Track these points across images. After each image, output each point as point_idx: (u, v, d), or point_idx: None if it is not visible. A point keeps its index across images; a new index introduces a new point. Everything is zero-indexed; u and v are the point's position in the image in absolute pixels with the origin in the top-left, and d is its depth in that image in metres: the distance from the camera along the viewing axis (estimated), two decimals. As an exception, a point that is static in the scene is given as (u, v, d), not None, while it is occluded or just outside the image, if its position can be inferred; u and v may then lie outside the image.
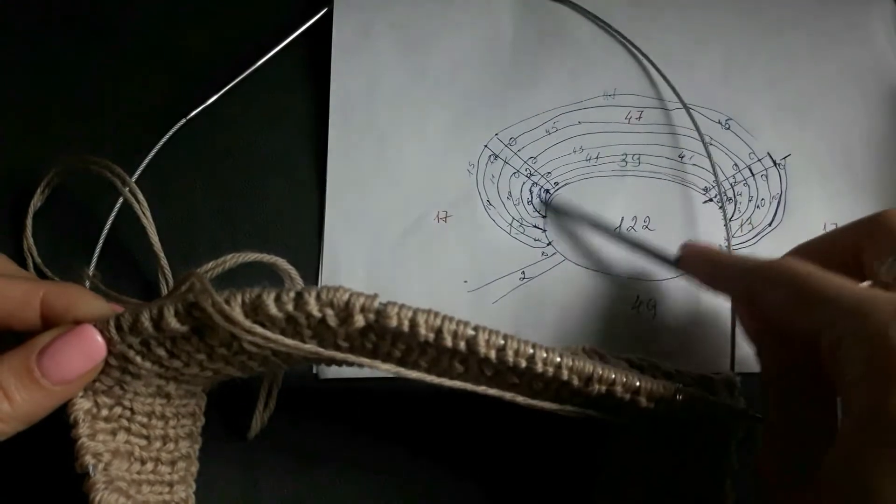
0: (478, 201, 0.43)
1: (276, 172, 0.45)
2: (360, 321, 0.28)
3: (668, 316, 0.41)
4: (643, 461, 0.36)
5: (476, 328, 0.29)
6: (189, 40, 0.48)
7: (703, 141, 0.44)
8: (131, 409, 0.33)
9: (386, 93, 0.46)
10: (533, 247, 0.42)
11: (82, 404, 0.31)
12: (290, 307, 0.28)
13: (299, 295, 0.28)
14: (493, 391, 0.31)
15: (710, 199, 0.43)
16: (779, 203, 0.43)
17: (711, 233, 0.42)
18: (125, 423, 0.33)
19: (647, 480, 0.35)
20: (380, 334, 0.29)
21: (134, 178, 0.42)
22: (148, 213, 0.40)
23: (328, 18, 0.47)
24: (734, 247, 0.42)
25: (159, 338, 0.30)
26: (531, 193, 0.44)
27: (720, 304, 0.40)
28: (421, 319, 0.28)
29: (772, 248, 0.42)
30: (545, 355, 0.30)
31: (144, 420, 0.34)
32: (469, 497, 0.38)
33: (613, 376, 0.31)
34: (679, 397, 0.32)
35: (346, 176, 0.44)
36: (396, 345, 0.30)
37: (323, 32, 0.47)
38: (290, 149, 0.45)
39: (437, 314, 0.29)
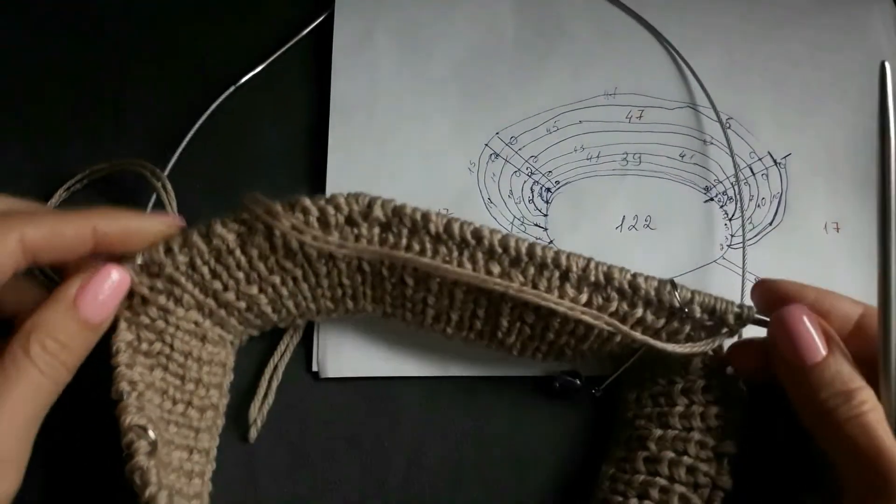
0: (479, 199, 0.43)
1: (278, 171, 0.45)
2: (378, 212, 0.34)
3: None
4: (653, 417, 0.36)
5: (482, 225, 0.34)
6: (194, 44, 0.48)
7: (722, 125, 0.44)
8: (171, 346, 0.35)
9: (387, 92, 0.46)
10: (534, 245, 0.42)
11: (125, 336, 0.34)
12: (322, 202, 0.34)
13: (332, 195, 0.35)
14: (498, 280, 0.34)
15: (711, 199, 0.43)
16: (779, 202, 0.43)
17: (712, 232, 0.42)
18: (163, 360, 0.35)
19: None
20: (397, 232, 0.35)
21: (166, 173, 0.42)
22: (175, 206, 0.41)
23: (330, 19, 0.47)
24: (734, 246, 0.42)
25: (204, 255, 0.35)
26: (532, 192, 0.44)
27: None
28: (433, 214, 0.35)
29: (772, 247, 0.42)
30: (541, 246, 0.34)
31: (181, 360, 0.35)
32: (469, 497, 0.38)
33: (587, 260, 0.35)
34: (676, 293, 0.34)
35: (346, 174, 0.43)
36: (412, 245, 0.35)
37: (325, 33, 0.47)
38: (291, 148, 0.45)
39: (445, 215, 0.35)
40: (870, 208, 0.43)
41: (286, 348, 0.40)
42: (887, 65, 0.34)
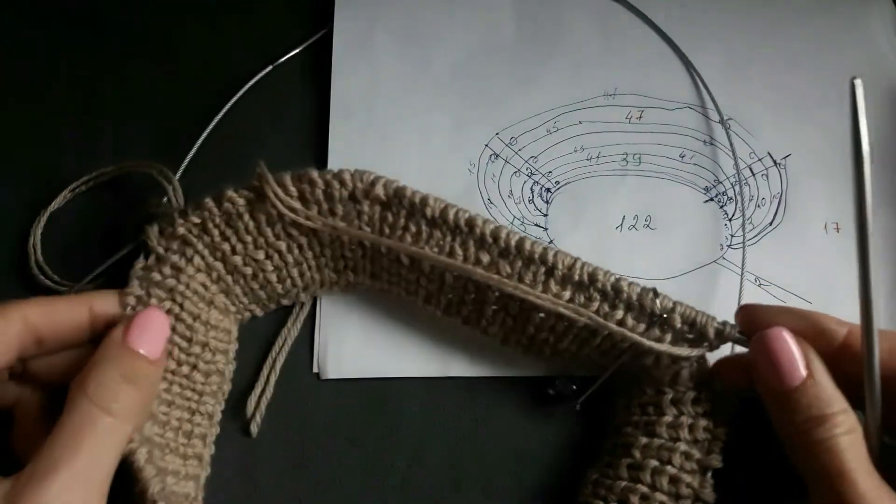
0: (479, 200, 0.43)
1: (277, 167, 0.44)
2: (380, 191, 0.36)
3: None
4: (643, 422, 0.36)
5: (476, 214, 0.36)
6: (198, 46, 0.48)
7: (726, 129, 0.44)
8: (181, 306, 0.36)
9: (387, 92, 0.46)
10: (534, 246, 0.42)
11: (136, 290, 0.35)
12: (329, 176, 0.36)
13: (339, 171, 0.36)
14: (482, 272, 0.35)
15: (711, 199, 0.43)
16: (779, 203, 0.43)
17: (712, 232, 0.42)
18: (172, 320, 0.35)
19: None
20: (396, 213, 0.36)
21: (177, 176, 0.41)
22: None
23: (330, 28, 0.47)
24: (735, 246, 0.42)
25: (216, 217, 0.36)
26: (532, 192, 0.44)
27: (718, 305, 0.40)
28: (430, 199, 0.36)
29: (772, 247, 0.42)
30: (531, 241, 0.35)
31: (190, 321, 0.36)
32: (469, 497, 0.38)
33: (573, 259, 0.35)
34: (657, 300, 0.34)
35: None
36: (408, 227, 0.36)
37: (325, 39, 0.47)
38: (291, 148, 0.45)
39: (443, 200, 0.36)
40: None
41: (284, 342, 0.40)
42: (857, 82, 0.33)
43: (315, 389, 0.40)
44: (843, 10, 0.48)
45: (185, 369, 0.36)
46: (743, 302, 0.39)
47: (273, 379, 0.39)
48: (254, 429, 0.38)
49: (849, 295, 0.40)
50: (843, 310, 0.40)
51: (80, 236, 0.43)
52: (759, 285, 0.41)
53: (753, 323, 0.34)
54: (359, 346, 0.40)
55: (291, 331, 0.40)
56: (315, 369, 0.40)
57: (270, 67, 0.46)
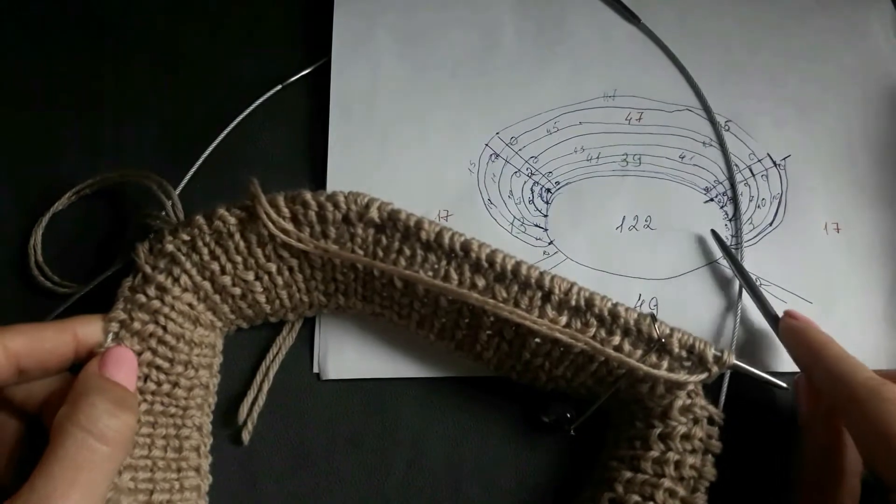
0: (479, 200, 0.43)
1: (278, 172, 0.44)
2: (374, 214, 0.35)
3: (669, 314, 0.40)
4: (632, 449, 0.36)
5: (472, 238, 0.35)
6: (198, 56, 0.48)
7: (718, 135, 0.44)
8: (164, 328, 0.35)
9: (386, 92, 0.46)
10: (534, 246, 0.42)
11: (118, 314, 0.34)
12: (322, 198, 0.36)
13: (332, 193, 0.36)
14: (477, 296, 0.35)
15: (711, 199, 0.43)
16: (779, 203, 0.43)
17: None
18: (154, 343, 0.35)
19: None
20: (390, 236, 0.36)
21: (179, 189, 0.41)
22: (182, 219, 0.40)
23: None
24: (734, 246, 0.42)
25: (205, 235, 0.36)
26: (532, 192, 0.44)
27: (721, 303, 0.41)
28: (425, 222, 0.35)
29: (772, 247, 0.42)
30: (527, 265, 0.35)
31: (173, 342, 0.35)
32: (469, 497, 0.38)
33: (568, 284, 0.35)
34: (655, 325, 0.34)
35: (346, 175, 0.43)
36: (403, 250, 0.36)
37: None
38: (291, 149, 0.45)
39: (438, 224, 0.36)
40: (870, 208, 0.43)
41: (279, 350, 0.40)
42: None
43: (315, 390, 0.40)
44: (842, 10, 0.48)
45: (167, 387, 0.35)
46: (742, 302, 0.39)
47: (266, 387, 0.39)
48: (245, 436, 0.38)
49: (849, 295, 0.41)
50: (842, 309, 0.41)
51: (82, 238, 0.43)
52: (760, 285, 0.41)
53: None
54: (359, 346, 0.40)
55: (287, 339, 0.40)
56: (315, 370, 0.40)
57: (280, 87, 0.46)
